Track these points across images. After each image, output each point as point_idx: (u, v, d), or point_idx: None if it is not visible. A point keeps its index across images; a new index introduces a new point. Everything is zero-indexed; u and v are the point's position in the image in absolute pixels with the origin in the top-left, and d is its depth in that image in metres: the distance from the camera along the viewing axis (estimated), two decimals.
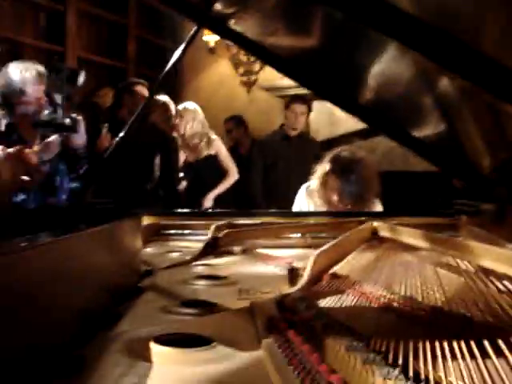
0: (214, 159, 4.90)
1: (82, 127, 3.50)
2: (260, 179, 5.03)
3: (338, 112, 4.99)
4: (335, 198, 2.89)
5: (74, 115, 3.37)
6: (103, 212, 1.83)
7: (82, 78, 3.32)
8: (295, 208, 3.28)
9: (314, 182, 3.04)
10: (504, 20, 1.18)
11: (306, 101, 5.13)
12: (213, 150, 4.89)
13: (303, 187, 3.27)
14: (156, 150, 4.43)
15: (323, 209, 2.99)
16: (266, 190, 5.02)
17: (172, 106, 4.71)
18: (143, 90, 4.61)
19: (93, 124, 4.54)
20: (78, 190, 3.56)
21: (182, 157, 4.84)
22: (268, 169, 5.04)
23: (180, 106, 4.91)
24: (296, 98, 5.16)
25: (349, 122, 5.64)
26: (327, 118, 6.27)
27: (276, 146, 5.09)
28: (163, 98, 4.66)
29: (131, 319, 1.09)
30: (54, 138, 3.33)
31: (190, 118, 4.86)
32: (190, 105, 4.93)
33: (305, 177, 3.29)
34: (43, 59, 5.66)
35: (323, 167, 2.95)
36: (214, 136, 5.01)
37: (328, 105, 5.32)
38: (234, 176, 4.95)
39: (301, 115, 5.04)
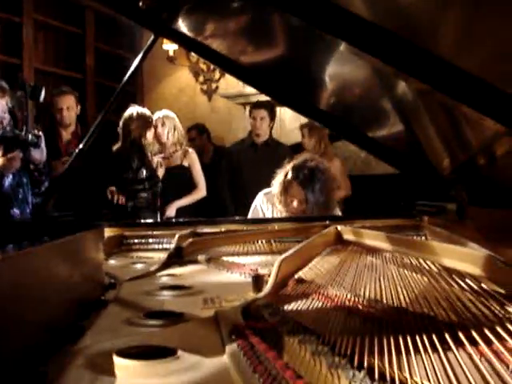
0: (185, 170, 4.87)
1: (43, 143, 3.46)
2: (227, 186, 5.06)
3: (300, 118, 5.06)
4: (295, 204, 2.93)
5: (36, 131, 3.35)
6: (65, 224, 1.80)
7: (43, 94, 3.30)
8: (251, 213, 3.30)
9: (275, 186, 3.07)
10: (458, 21, 1.20)
11: (266, 106, 5.16)
12: (186, 161, 4.88)
13: (261, 193, 3.29)
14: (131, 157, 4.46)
15: (283, 213, 3.03)
16: (233, 196, 5.04)
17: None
18: (61, 100, 4.65)
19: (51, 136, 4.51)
20: (39, 203, 3.53)
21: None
22: (234, 176, 5.06)
23: (159, 114, 4.88)
24: (256, 105, 5.20)
25: None
26: (287, 125, 6.31)
27: (242, 153, 5.12)
28: (144, 110, 4.69)
29: (95, 333, 1.07)
30: (15, 153, 3.29)
31: (172, 125, 4.85)
32: (169, 113, 4.91)
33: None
34: (0, 71, 5.59)
35: (285, 173, 2.99)
36: (190, 149, 5.02)
37: (289, 111, 5.37)
38: (202, 192, 4.93)
39: (261, 120, 5.06)
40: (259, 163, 4.93)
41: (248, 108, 5.67)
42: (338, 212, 3.20)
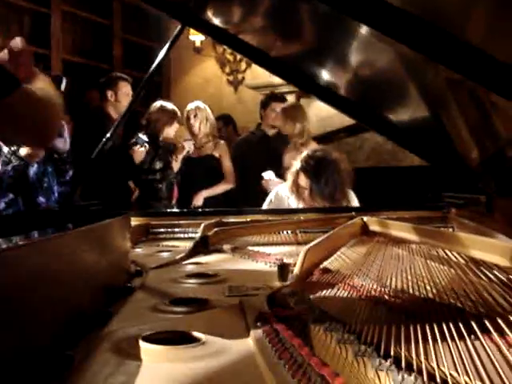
0: (215, 160, 4.90)
1: (65, 132, 3.50)
2: (239, 178, 5.04)
3: (326, 109, 5.03)
4: (306, 195, 2.95)
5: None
6: (93, 213, 1.82)
7: (64, 84, 3.32)
8: (274, 198, 3.32)
9: (288, 178, 3.11)
10: (490, 7, 1.18)
11: (283, 99, 5.14)
12: (217, 152, 4.90)
13: (281, 185, 3.30)
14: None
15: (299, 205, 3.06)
16: (246, 188, 5.02)
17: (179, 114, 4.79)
18: (126, 87, 4.62)
19: (81, 126, 4.55)
20: (66, 192, 3.57)
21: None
22: (247, 168, 5.04)
23: (191, 105, 4.91)
24: (275, 97, 5.17)
25: (336, 119, 5.66)
26: (314, 116, 6.27)
27: (254, 146, 5.09)
28: (167, 104, 4.74)
29: (121, 318, 1.08)
30: None
31: (204, 117, 4.87)
32: (201, 104, 4.93)
33: (283, 175, 3.33)
34: None
35: (295, 165, 3.02)
36: (221, 140, 5.06)
37: (315, 102, 5.33)
38: (231, 183, 4.93)
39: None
40: (272, 154, 4.91)
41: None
42: (356, 202, 3.20)
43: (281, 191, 3.29)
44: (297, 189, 3.03)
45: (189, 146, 4.80)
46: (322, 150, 3.06)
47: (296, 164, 3.05)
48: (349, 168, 3.10)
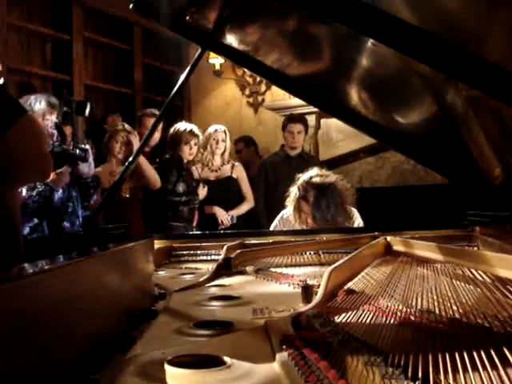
0: (233, 182, 4.96)
1: (90, 157, 3.52)
2: (263, 199, 5.08)
3: (346, 129, 5.03)
4: (310, 221, 2.96)
5: (83, 145, 3.41)
6: (116, 236, 1.83)
7: (88, 109, 3.35)
8: (272, 229, 3.34)
9: (289, 206, 3.16)
10: (508, 25, 1.18)
11: (302, 119, 5.17)
12: (235, 173, 4.97)
13: (286, 210, 3.29)
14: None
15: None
16: (269, 209, 5.04)
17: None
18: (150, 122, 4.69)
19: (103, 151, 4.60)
20: (89, 216, 3.59)
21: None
22: (271, 189, 5.07)
23: (220, 128, 5.00)
24: (292, 118, 5.22)
25: (356, 139, 5.66)
26: (334, 137, 6.27)
27: (277, 167, 5.12)
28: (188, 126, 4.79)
29: (145, 342, 1.08)
30: (64, 168, 3.36)
31: (221, 139, 4.97)
32: (220, 127, 5.00)
33: None
34: (51, 88, 5.74)
35: (294, 193, 3.03)
36: (236, 162, 5.16)
37: (335, 122, 5.33)
38: (251, 203, 5.05)
39: (298, 134, 5.07)
40: (294, 175, 4.92)
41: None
42: (359, 220, 3.19)
43: (286, 215, 3.28)
44: (299, 215, 3.04)
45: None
46: (318, 176, 3.05)
47: (294, 191, 3.07)
48: (348, 186, 3.09)
